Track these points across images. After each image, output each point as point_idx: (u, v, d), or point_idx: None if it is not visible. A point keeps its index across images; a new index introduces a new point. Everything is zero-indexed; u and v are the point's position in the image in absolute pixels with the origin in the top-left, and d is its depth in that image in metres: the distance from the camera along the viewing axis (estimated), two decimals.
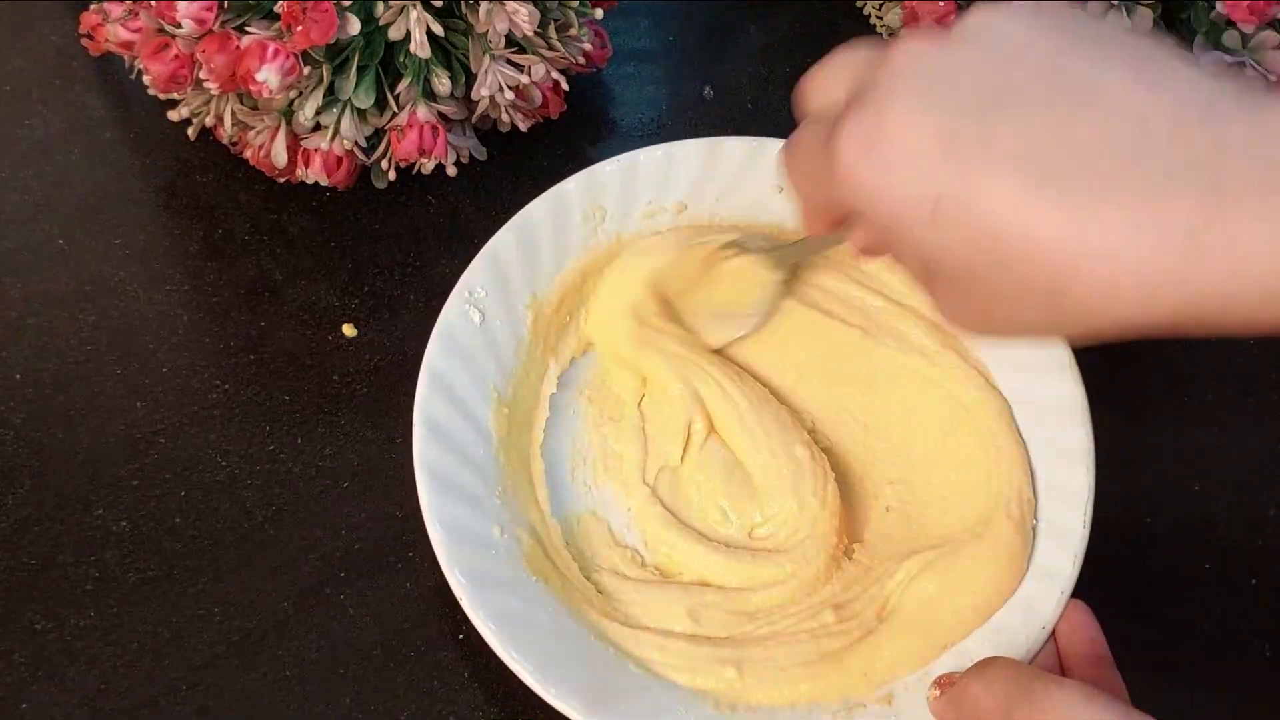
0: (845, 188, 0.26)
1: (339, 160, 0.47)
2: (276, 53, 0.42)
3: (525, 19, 0.44)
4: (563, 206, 0.44)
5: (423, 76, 0.46)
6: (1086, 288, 0.22)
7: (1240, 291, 0.21)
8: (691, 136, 0.46)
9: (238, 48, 0.43)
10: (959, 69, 0.25)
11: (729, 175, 0.46)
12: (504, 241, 0.43)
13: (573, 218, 0.44)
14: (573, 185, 0.44)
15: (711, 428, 0.43)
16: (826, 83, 0.29)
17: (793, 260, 0.43)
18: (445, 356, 0.41)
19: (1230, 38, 0.43)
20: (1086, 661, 0.36)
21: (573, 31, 0.48)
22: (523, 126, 0.49)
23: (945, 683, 0.35)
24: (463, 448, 0.40)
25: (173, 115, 0.48)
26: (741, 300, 0.44)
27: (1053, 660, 0.37)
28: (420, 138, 0.46)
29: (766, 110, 0.55)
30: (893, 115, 0.25)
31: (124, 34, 0.44)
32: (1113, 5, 0.44)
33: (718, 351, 0.45)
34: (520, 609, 0.37)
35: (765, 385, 0.44)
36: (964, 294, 0.26)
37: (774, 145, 0.46)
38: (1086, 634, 0.37)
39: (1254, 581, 0.44)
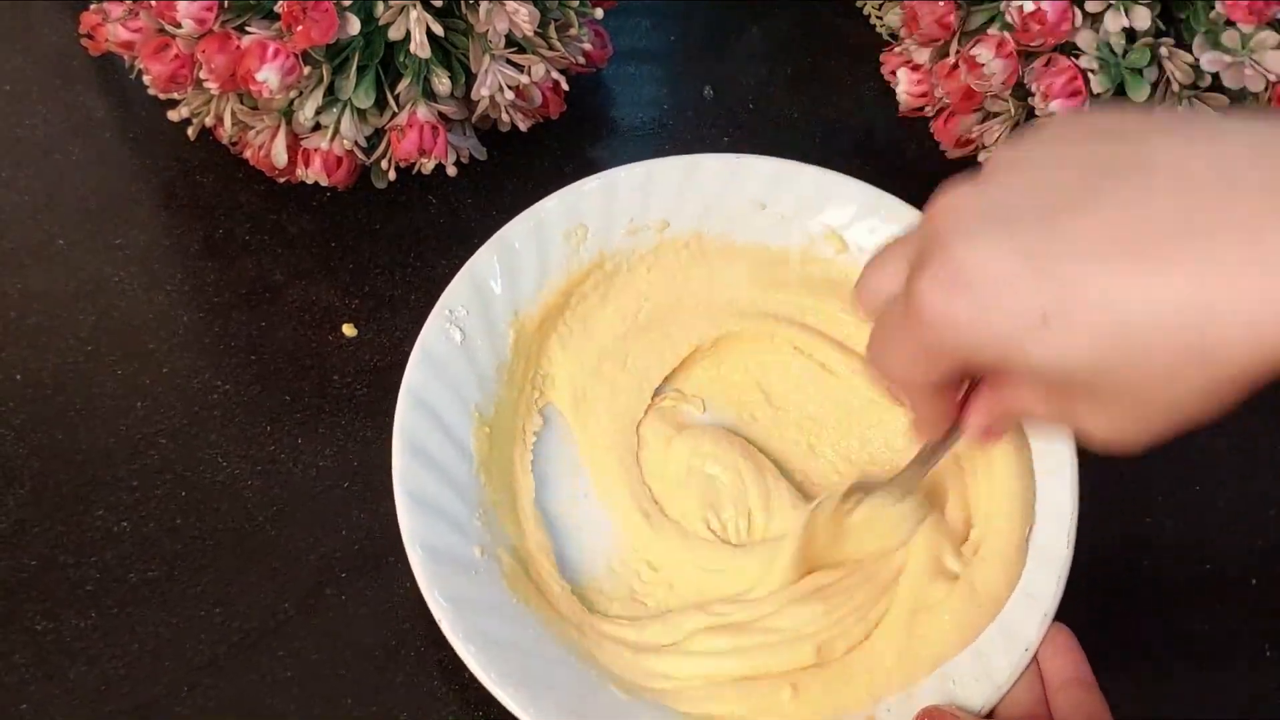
0: (945, 339, 0.25)
1: (339, 160, 0.47)
2: (276, 53, 0.42)
3: (525, 19, 0.44)
4: (543, 225, 0.44)
5: (423, 76, 0.46)
6: (1232, 336, 0.22)
7: None
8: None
9: (238, 48, 0.43)
10: (1004, 192, 0.24)
11: (710, 192, 0.45)
12: (484, 260, 0.42)
13: (554, 236, 0.44)
14: (553, 204, 0.44)
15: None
16: (882, 273, 0.28)
17: (916, 480, 0.39)
18: (425, 376, 0.40)
19: (1230, 38, 0.43)
20: (1069, 685, 0.36)
21: (573, 31, 0.48)
22: (523, 126, 0.49)
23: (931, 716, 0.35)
24: (443, 468, 0.39)
25: (173, 115, 0.48)
26: (886, 541, 0.40)
27: (1035, 683, 0.37)
28: (420, 138, 0.46)
29: (767, 110, 0.55)
30: (961, 251, 0.24)
31: (124, 34, 0.44)
32: (1111, 5, 0.44)
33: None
34: (501, 630, 0.37)
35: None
36: (1110, 401, 0.25)
37: (752, 161, 0.45)
38: (1069, 657, 0.37)
39: (1254, 581, 0.44)
